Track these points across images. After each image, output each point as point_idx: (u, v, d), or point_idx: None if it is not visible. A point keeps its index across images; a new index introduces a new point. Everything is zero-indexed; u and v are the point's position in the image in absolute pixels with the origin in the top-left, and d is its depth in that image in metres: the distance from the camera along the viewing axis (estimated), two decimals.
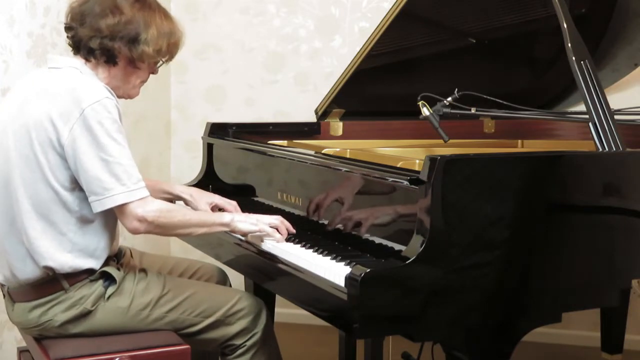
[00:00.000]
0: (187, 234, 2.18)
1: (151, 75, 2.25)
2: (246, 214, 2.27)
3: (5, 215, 2.08)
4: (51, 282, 2.08)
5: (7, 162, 2.06)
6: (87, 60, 2.12)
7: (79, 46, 2.12)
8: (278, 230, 2.22)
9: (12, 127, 2.06)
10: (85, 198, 2.03)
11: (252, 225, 2.21)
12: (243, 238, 2.31)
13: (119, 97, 2.13)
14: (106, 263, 2.13)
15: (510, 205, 1.94)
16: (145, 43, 2.09)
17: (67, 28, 2.14)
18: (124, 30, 2.07)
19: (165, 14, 2.17)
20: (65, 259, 2.05)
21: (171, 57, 2.21)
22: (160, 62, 2.20)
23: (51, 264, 2.04)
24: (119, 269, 2.14)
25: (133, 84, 2.18)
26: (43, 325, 2.09)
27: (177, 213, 2.13)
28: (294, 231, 2.23)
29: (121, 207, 2.02)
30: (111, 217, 2.10)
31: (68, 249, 2.05)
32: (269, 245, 2.20)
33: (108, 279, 2.12)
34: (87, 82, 2.05)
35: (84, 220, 2.06)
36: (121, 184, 1.99)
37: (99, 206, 2.00)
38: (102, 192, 1.99)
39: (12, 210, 2.06)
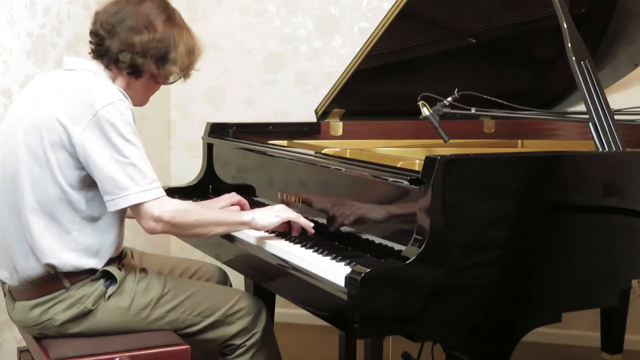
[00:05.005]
0: (205, 233, 2.16)
1: None
2: (265, 208, 2.26)
3: (10, 210, 2.09)
4: (52, 281, 2.08)
5: (16, 158, 2.06)
6: (107, 67, 2.13)
7: (103, 55, 2.11)
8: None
9: (23, 124, 2.07)
10: (93, 198, 2.04)
11: (275, 218, 2.21)
12: (266, 234, 2.30)
13: None
14: (107, 263, 2.13)
15: (510, 205, 1.94)
16: (174, 62, 2.13)
17: (94, 34, 2.13)
18: (156, 48, 2.10)
19: (189, 30, 2.20)
20: (67, 258, 2.05)
21: (187, 74, 2.23)
22: (179, 79, 2.22)
23: (53, 261, 2.04)
24: (120, 269, 2.15)
25: (148, 96, 2.24)
26: (43, 324, 2.09)
27: (195, 212, 2.13)
28: (313, 231, 2.22)
29: (137, 207, 2.02)
30: (118, 219, 2.11)
31: (71, 248, 2.06)
32: (269, 246, 2.20)
33: (109, 278, 2.12)
34: (100, 84, 2.06)
35: (90, 220, 2.07)
36: (135, 184, 2.00)
37: (112, 206, 2.01)
38: (116, 192, 1.99)
39: (18, 206, 2.07)
